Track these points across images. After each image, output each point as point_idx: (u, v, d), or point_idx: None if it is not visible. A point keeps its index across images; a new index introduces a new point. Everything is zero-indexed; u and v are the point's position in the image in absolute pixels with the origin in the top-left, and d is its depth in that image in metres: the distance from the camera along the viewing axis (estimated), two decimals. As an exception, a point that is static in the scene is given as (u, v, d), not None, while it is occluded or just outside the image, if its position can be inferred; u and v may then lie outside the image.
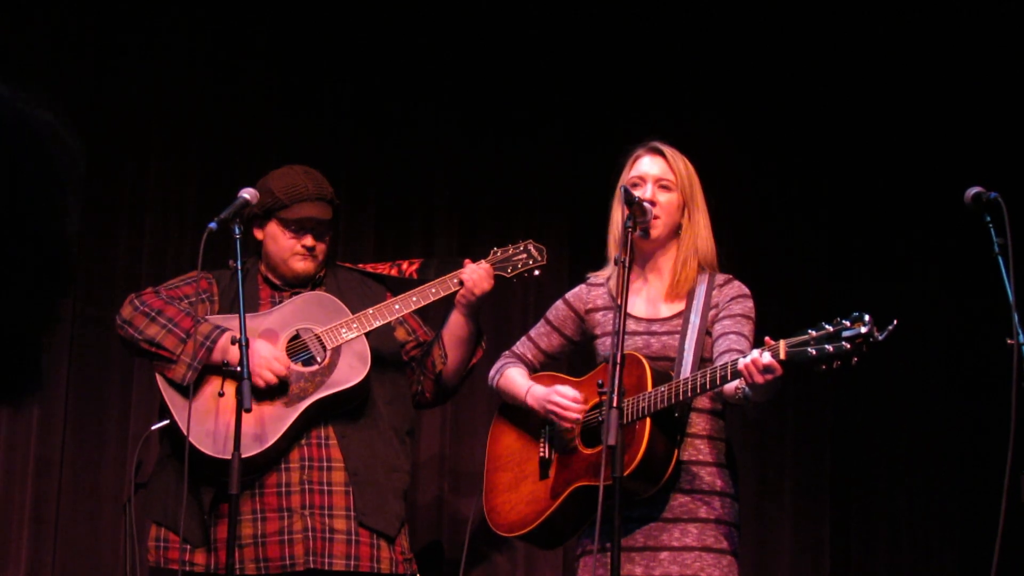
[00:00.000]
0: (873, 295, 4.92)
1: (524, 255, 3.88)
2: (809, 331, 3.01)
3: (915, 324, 5.09)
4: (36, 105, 1.17)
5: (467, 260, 3.86)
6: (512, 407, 3.67)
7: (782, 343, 3.04)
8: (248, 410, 3.38)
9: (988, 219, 3.33)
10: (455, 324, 3.84)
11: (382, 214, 5.05)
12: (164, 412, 3.75)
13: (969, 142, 5.06)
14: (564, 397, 3.44)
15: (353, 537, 3.65)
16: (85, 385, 4.80)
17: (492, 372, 3.73)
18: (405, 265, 3.99)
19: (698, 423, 3.40)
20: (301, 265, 3.86)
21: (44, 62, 4.87)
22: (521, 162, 5.10)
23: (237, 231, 3.55)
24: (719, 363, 3.23)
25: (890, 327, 2.93)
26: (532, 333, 3.73)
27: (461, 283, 3.79)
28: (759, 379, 3.03)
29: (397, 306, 3.78)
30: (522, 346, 3.73)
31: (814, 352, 2.98)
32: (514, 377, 3.64)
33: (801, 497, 5.05)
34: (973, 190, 3.39)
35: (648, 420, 3.24)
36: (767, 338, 3.08)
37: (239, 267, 3.55)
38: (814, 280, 5.11)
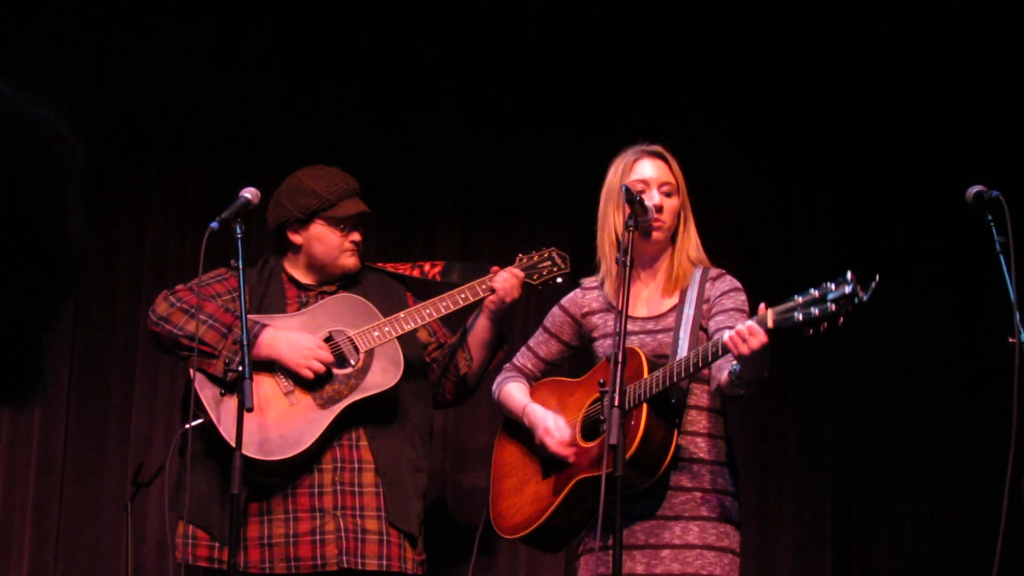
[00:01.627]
0: (873, 294, 4.91)
1: (549, 262, 3.92)
2: (795, 297, 3.04)
3: (916, 323, 5.09)
4: (37, 105, 1.17)
5: (495, 267, 3.89)
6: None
7: (769, 311, 3.06)
8: (250, 409, 3.39)
9: (990, 217, 3.33)
10: (482, 329, 3.88)
11: (383, 214, 5.04)
12: (186, 409, 3.74)
13: (970, 141, 5.06)
14: (554, 437, 3.45)
15: (384, 537, 3.70)
16: (86, 385, 4.80)
17: (494, 387, 3.76)
18: (427, 267, 4.03)
19: (699, 421, 3.41)
20: (351, 261, 3.91)
21: (44, 61, 4.87)
22: (522, 162, 5.10)
23: (239, 231, 3.57)
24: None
25: (873, 284, 2.94)
26: (531, 343, 3.74)
27: (491, 290, 3.83)
28: (745, 349, 3.03)
29: (428, 311, 3.81)
30: (522, 357, 3.75)
31: (800, 317, 3.00)
32: (512, 393, 3.66)
33: (802, 496, 5.05)
34: (975, 188, 3.40)
35: (645, 406, 3.25)
36: (761, 305, 3.10)
37: (240, 267, 3.56)
38: (814, 280, 5.08)
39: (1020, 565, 3.62)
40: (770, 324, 3.03)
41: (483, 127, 5.11)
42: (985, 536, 3.52)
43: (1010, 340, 3.25)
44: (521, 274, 3.86)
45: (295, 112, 5.04)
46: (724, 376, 3.22)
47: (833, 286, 2.97)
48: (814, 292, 3.00)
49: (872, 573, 5.06)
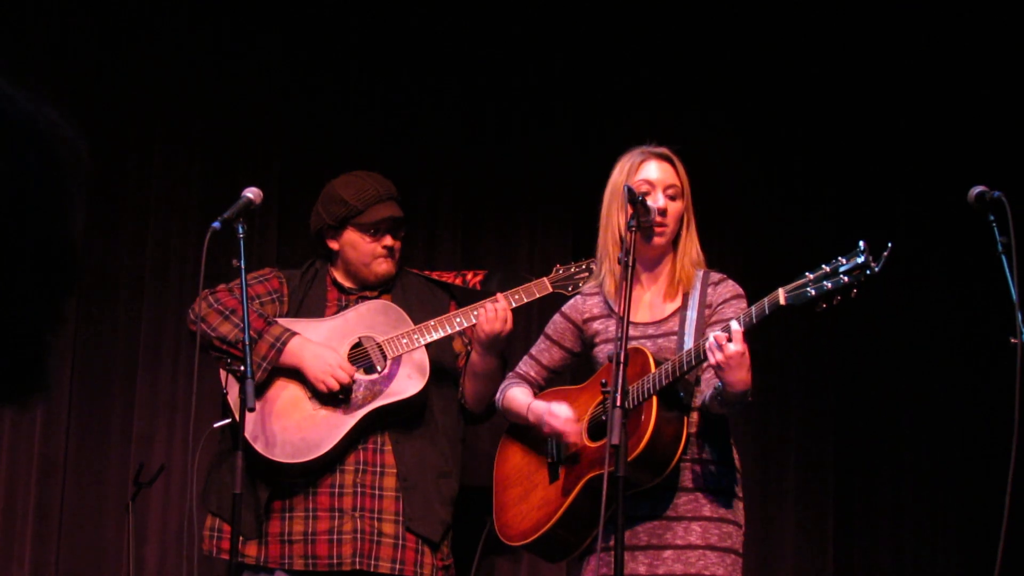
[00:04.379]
0: (877, 293, 4.92)
1: (586, 273, 3.89)
2: (807, 274, 3.02)
3: (917, 324, 5.09)
4: (42, 104, 1.17)
5: (499, 294, 3.82)
6: (515, 428, 3.68)
7: (780, 290, 3.04)
8: (252, 409, 3.41)
9: (992, 218, 3.33)
10: (472, 361, 3.86)
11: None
12: (226, 410, 3.79)
13: (973, 141, 5.06)
14: (558, 417, 3.43)
15: (400, 542, 3.75)
16: (89, 384, 4.81)
17: (497, 395, 3.73)
18: (470, 276, 4.07)
19: (701, 422, 3.40)
20: (384, 266, 3.95)
21: (46, 57, 4.87)
22: (524, 161, 5.10)
23: (241, 230, 3.57)
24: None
25: (885, 253, 2.92)
26: (533, 351, 3.72)
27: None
28: (720, 358, 3.01)
29: (458, 319, 3.84)
30: (524, 365, 3.73)
31: (813, 292, 2.98)
32: (516, 396, 3.65)
33: (804, 495, 5.05)
34: (977, 189, 3.40)
35: (654, 399, 3.24)
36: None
37: (243, 267, 3.57)
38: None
39: (1022, 565, 3.62)
40: (782, 301, 3.02)
41: (483, 127, 5.11)
42: (987, 537, 3.52)
43: (1012, 341, 3.25)
44: (506, 308, 3.76)
45: (297, 112, 5.04)
46: (709, 392, 3.22)
47: (844, 260, 2.96)
48: (825, 267, 2.99)
49: (873, 573, 5.06)
